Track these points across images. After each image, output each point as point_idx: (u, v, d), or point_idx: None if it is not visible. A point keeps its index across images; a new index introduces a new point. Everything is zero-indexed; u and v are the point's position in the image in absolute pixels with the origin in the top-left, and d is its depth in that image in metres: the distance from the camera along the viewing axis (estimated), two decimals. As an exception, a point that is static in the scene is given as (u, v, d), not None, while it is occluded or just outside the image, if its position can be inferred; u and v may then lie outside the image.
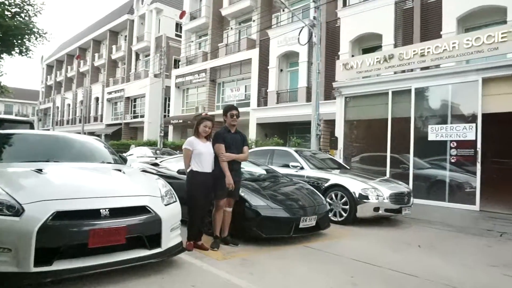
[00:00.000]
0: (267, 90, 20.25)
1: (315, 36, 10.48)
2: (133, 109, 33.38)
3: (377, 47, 15.23)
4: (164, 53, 23.58)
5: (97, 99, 38.22)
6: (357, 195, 6.11)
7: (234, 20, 24.07)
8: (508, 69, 7.47)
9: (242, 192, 4.65)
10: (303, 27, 11.12)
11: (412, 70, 9.64)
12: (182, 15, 26.83)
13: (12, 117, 9.65)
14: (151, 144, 22.61)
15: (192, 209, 4.16)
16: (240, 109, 16.42)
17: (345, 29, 16.62)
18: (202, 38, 27.05)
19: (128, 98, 33.16)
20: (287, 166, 7.46)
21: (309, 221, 4.76)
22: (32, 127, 9.12)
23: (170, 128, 27.43)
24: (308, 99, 18.13)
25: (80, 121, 39.57)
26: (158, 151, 15.11)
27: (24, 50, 10.37)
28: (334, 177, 6.62)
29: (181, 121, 26.19)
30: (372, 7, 15.68)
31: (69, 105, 43.73)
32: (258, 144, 15.92)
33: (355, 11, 16.39)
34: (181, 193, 3.99)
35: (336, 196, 6.38)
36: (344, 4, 18.47)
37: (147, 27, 32.13)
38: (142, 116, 31.16)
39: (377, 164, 10.06)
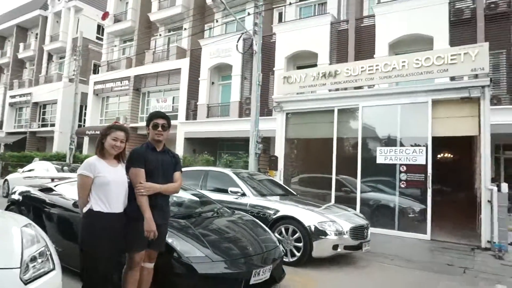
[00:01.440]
0: (197, 103, 18.87)
1: (255, 44, 9.46)
2: (41, 116, 29.26)
3: (313, 65, 14.86)
4: (79, 53, 20.87)
5: (-3, 103, 32.99)
6: (312, 229, 5.01)
7: (164, 26, 22.39)
8: (458, 92, 7.15)
9: (169, 237, 3.22)
10: (242, 33, 10.07)
11: (361, 87, 9.09)
12: (105, 16, 24.33)
13: None
14: (60, 157, 19.49)
15: (90, 268, 2.64)
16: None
17: (281, 44, 16.13)
18: (127, 43, 24.78)
19: (36, 103, 29.03)
20: (224, 191, 6.16)
21: (262, 274, 3.47)
22: None
23: (86, 139, 24.36)
24: (241, 114, 17.18)
25: (-27, 128, 33.79)
26: (66, 167, 12.64)
27: None
28: (284, 207, 5.46)
29: (98, 132, 23.20)
30: (308, 26, 15.45)
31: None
32: (186, 161, 14.32)
33: (291, 27, 16.01)
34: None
35: (286, 231, 5.21)
36: (280, 20, 18.10)
37: (63, 26, 28.69)
38: (53, 125, 27.34)
39: (320, 186, 9.24)
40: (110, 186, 2.70)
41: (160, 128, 2.99)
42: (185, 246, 3.22)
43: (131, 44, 24.09)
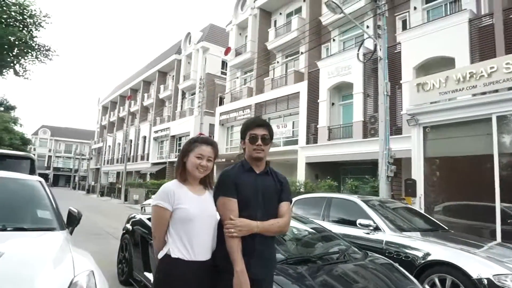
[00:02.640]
0: (317, 126, 18.03)
1: (380, 49, 8.20)
2: (177, 147, 32.60)
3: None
4: (203, 86, 22.43)
5: (144, 138, 38.30)
6: (485, 284, 3.48)
7: (281, 53, 22.62)
8: None
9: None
10: (363, 40, 8.94)
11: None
12: (227, 51, 26.07)
13: (11, 151, 8.21)
14: None
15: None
16: (288, 148, 14.12)
17: (407, 54, 14.27)
18: (248, 74, 25.87)
19: (173, 136, 32.57)
20: (351, 223, 5.04)
21: None
22: (33, 163, 7.60)
23: (214, 167, 25.81)
24: (365, 134, 15.65)
25: (129, 160, 39.75)
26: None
27: (22, 70, 9.21)
28: (437, 249, 4.03)
29: (224, 160, 24.49)
30: (440, 28, 13.31)
31: (119, 144, 44.42)
32: (307, 188, 13.44)
33: (418, 33, 14.06)
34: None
35: (442, 283, 3.78)
36: (404, 27, 16.24)
37: (193, 66, 31.91)
38: (186, 155, 30.12)
39: (475, 217, 7.20)
40: (194, 223, 2.00)
41: (259, 141, 2.17)
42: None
43: (251, 74, 25.04)
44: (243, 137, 2.27)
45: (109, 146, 46.75)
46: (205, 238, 2.04)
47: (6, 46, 7.72)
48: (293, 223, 4.05)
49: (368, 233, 4.71)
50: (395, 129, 13.44)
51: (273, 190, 2.22)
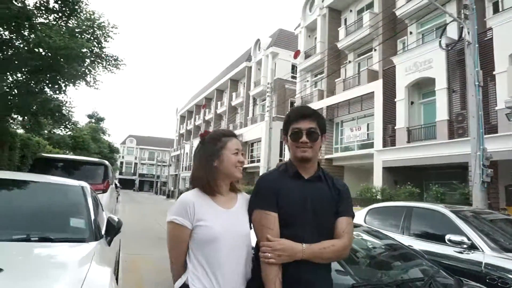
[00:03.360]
0: (395, 127, 16.64)
1: (468, 33, 6.99)
2: (250, 153, 32.92)
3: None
4: (271, 91, 22.24)
5: (218, 145, 39.48)
6: None
7: (352, 52, 21.53)
8: None
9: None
10: (446, 25, 7.79)
11: None
12: (296, 54, 25.64)
13: (86, 158, 8.64)
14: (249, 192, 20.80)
15: None
16: (363, 151, 13.01)
17: (501, 40, 12.42)
18: (318, 76, 25.11)
19: (245, 142, 32.97)
20: (437, 239, 4.23)
21: None
22: (106, 169, 7.95)
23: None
24: (451, 135, 13.98)
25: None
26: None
27: (92, 80, 9.74)
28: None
29: (295, 165, 24.01)
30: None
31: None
32: (385, 195, 12.32)
33: (515, 15, 12.15)
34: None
35: None
36: (496, 10, 14.23)
37: (263, 72, 32.07)
38: (258, 161, 30.28)
39: None
40: (220, 245, 1.56)
41: (304, 137, 1.68)
42: None
43: (321, 76, 24.25)
44: (285, 133, 1.78)
45: (187, 153, 49.15)
46: (235, 264, 1.59)
47: (79, 58, 8.25)
48: (365, 238, 3.44)
49: (460, 252, 3.86)
50: (488, 128, 11.70)
51: (327, 201, 1.69)
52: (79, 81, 9.36)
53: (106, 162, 8.01)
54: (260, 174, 27.42)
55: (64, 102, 9.94)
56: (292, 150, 1.73)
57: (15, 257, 2.00)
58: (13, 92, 7.93)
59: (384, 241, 3.56)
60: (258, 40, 33.46)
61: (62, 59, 7.69)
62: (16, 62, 7.66)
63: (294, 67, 30.12)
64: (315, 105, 22.82)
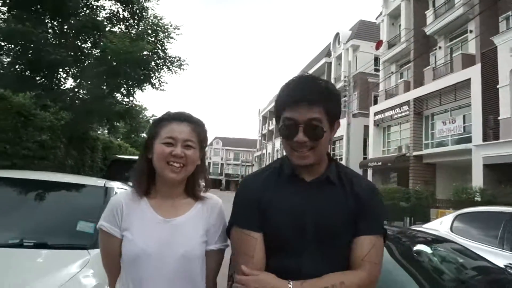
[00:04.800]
0: (498, 118, 14.37)
1: None
2: (332, 152, 31.91)
3: None
4: (348, 84, 21.10)
5: (299, 144, 39.20)
6: None
7: (443, 36, 19.30)
8: None
9: None
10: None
11: None
12: (378, 45, 23.93)
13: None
14: None
15: None
16: (458, 147, 11.53)
17: None
18: (404, 67, 23.14)
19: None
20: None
21: None
22: None
23: (369, 172, 24.09)
24: None
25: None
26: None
27: (158, 83, 10.06)
28: None
29: (380, 163, 22.49)
30: None
31: (277, 151, 46.73)
32: (485, 197, 10.64)
33: None
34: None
35: None
36: None
37: (343, 67, 30.74)
38: (341, 159, 29.12)
39: None
40: (142, 267, 1.19)
41: (301, 135, 1.12)
42: None
43: (407, 66, 22.29)
44: (277, 120, 1.22)
45: (269, 153, 49.76)
46: None
47: (141, 62, 8.69)
48: (449, 256, 2.77)
49: None
50: None
51: (339, 216, 1.16)
52: (144, 84, 9.88)
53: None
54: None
55: (133, 105, 10.59)
56: (287, 152, 1.21)
57: None
58: (83, 98, 8.73)
59: (476, 262, 2.83)
60: (338, 34, 32.19)
61: (125, 64, 8.17)
62: (89, 69, 8.41)
63: (376, 59, 28.30)
64: (401, 97, 21.03)
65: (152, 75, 9.92)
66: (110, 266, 1.29)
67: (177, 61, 10.27)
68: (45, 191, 2.83)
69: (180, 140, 1.24)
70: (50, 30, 8.82)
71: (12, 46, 8.30)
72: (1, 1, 8.23)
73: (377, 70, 28.07)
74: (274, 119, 35.13)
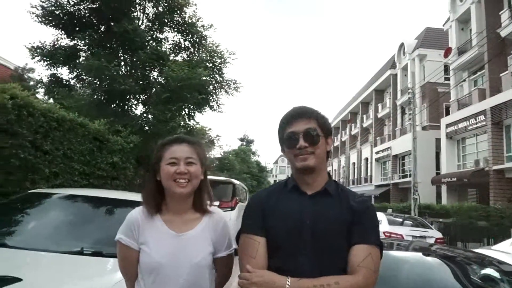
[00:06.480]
0: None
1: None
2: (401, 167, 30.26)
3: None
4: (413, 96, 20.10)
5: (366, 159, 37.85)
6: None
7: (522, 37, 17.60)
8: None
9: None
10: None
11: None
12: (447, 52, 22.46)
13: (216, 178, 9.36)
14: (401, 209, 18.62)
15: None
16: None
17: None
18: (477, 74, 21.43)
19: (395, 156, 30.52)
20: None
21: None
22: (234, 188, 8.47)
23: (443, 188, 22.39)
24: None
25: (353, 183, 40.07)
26: (405, 219, 11.48)
27: (216, 105, 10.49)
28: None
29: (455, 179, 20.77)
30: None
31: (343, 167, 45.57)
32: None
33: None
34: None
35: None
36: None
37: (410, 77, 29.36)
38: (411, 175, 27.45)
39: None
40: (159, 277, 1.37)
41: (301, 141, 1.35)
42: None
43: (481, 73, 20.62)
44: (280, 135, 1.47)
45: (335, 170, 48.64)
46: None
47: (200, 87, 9.27)
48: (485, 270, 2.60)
49: None
50: None
51: (335, 223, 1.31)
52: (203, 107, 10.51)
53: (235, 181, 8.56)
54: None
55: (194, 127, 11.28)
56: (291, 161, 1.41)
57: (47, 268, 2.29)
58: (149, 122, 9.53)
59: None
60: (402, 44, 30.96)
61: (185, 90, 8.82)
62: (155, 96, 9.22)
63: (446, 68, 26.58)
64: (476, 107, 19.43)
65: (210, 98, 10.58)
66: (127, 273, 1.48)
67: (233, 83, 10.85)
68: (104, 207, 3.26)
69: (182, 159, 1.42)
70: (122, 63, 9.91)
71: (91, 79, 9.46)
72: (83, 42, 9.48)
73: (447, 79, 26.34)
74: (338, 135, 34.67)
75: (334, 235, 1.29)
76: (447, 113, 24.98)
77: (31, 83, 13.40)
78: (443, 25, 25.15)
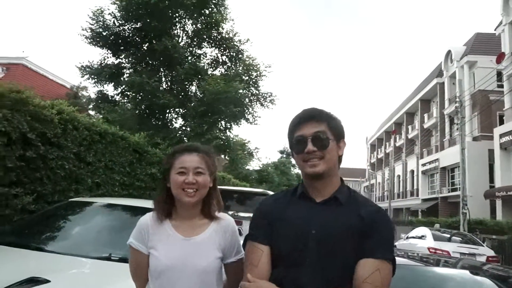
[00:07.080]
0: None
1: None
2: (450, 180, 28.61)
3: None
4: (460, 105, 19.05)
5: (412, 172, 36.19)
6: None
7: None
8: None
9: None
10: None
11: None
12: (499, 58, 21.16)
13: (249, 189, 9.40)
14: (449, 224, 17.48)
15: None
16: None
17: None
18: (534, 79, 19.94)
19: (443, 168, 28.96)
20: None
21: None
22: None
23: (498, 202, 20.84)
24: None
25: (398, 196, 38.46)
26: (453, 235, 10.78)
27: (252, 118, 10.50)
28: None
29: (511, 193, 19.29)
30: None
31: (387, 180, 43.91)
32: None
33: None
34: None
35: None
36: None
37: (458, 86, 27.86)
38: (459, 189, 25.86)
39: None
40: (167, 281, 1.41)
41: (310, 145, 1.30)
42: None
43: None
44: (290, 138, 1.41)
45: (379, 183, 46.99)
46: None
47: (236, 100, 9.42)
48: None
49: None
50: None
51: (343, 233, 1.23)
52: (240, 119, 10.65)
53: (269, 192, 8.52)
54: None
55: (230, 139, 11.41)
56: (300, 166, 1.36)
57: (75, 272, 2.44)
58: (183, 136, 9.79)
59: None
60: (449, 51, 29.59)
61: (221, 103, 9.01)
62: (192, 110, 9.51)
63: (500, 74, 24.96)
64: (533, 115, 18.01)
65: (246, 110, 10.73)
66: (137, 276, 1.52)
67: (269, 96, 10.95)
68: (135, 215, 3.41)
69: (191, 169, 1.46)
70: (162, 79, 10.38)
71: (134, 94, 9.98)
72: (126, 60, 10.07)
73: (500, 86, 24.72)
74: (382, 147, 33.59)
75: (342, 246, 1.22)
76: (501, 122, 23.38)
77: (84, 100, 14.37)
78: (495, 29, 23.77)
